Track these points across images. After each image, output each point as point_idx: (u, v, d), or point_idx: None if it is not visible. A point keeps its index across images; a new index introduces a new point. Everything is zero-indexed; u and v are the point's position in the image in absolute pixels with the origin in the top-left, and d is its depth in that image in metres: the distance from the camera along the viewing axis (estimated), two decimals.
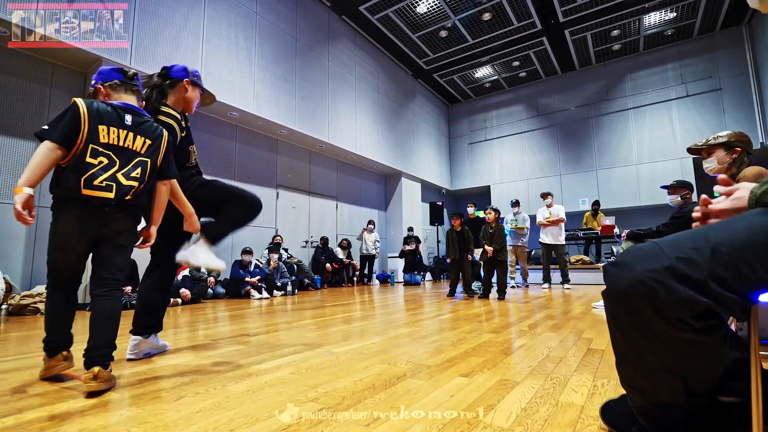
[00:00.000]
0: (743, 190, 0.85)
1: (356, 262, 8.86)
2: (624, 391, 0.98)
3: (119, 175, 1.57)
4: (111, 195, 1.54)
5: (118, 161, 1.58)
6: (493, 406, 1.25)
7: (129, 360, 1.93)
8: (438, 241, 11.03)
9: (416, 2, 8.04)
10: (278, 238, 7.11)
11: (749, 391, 0.78)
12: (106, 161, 1.56)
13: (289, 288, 6.23)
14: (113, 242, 1.60)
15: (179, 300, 4.67)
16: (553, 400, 1.31)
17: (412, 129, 11.15)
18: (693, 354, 0.81)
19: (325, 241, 8.16)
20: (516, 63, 10.73)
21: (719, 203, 0.90)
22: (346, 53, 8.76)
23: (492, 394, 1.38)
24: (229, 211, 2.04)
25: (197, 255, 1.90)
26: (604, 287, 0.88)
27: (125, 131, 1.61)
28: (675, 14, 8.74)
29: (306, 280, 7.17)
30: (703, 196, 0.96)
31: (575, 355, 1.95)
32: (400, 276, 9.69)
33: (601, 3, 8.20)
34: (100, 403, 1.33)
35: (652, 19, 8.91)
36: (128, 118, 1.63)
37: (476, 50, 9.97)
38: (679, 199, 3.47)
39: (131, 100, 1.73)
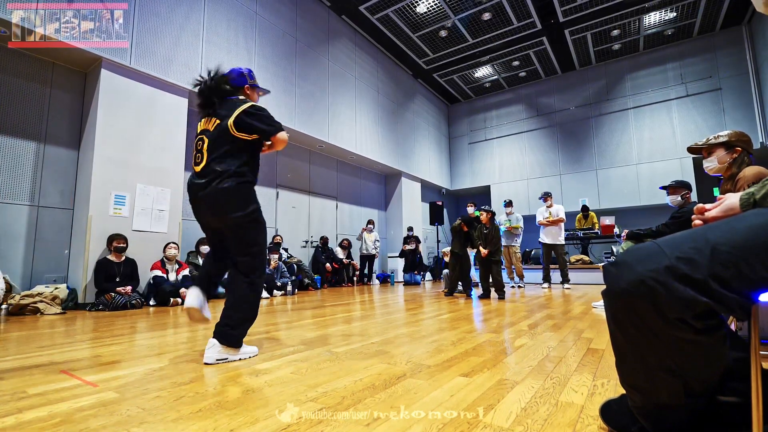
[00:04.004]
0: (731, 198, 0.90)
1: (356, 261, 8.86)
2: (624, 391, 0.98)
3: None
4: None
5: None
6: (493, 406, 1.25)
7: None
8: (438, 241, 11.04)
9: (416, 2, 8.03)
10: (278, 238, 7.11)
11: (749, 391, 0.78)
12: None
13: (289, 288, 6.23)
14: None
15: (179, 300, 4.67)
16: (553, 400, 1.31)
17: (412, 129, 11.15)
18: (693, 354, 0.81)
19: (325, 240, 8.16)
20: (516, 63, 10.73)
21: (712, 212, 0.92)
22: (346, 53, 8.76)
23: (492, 393, 1.37)
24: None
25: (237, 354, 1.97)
26: (604, 287, 0.88)
27: None
28: (675, 14, 8.74)
29: (306, 280, 7.17)
30: (698, 205, 0.97)
31: (575, 355, 1.95)
32: (400, 276, 9.69)
33: (601, 3, 8.20)
34: (100, 402, 1.33)
35: (652, 18, 8.91)
36: None
37: (476, 50, 9.97)
38: (679, 198, 3.46)
39: None
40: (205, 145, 1.98)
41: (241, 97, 2.11)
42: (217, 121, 1.98)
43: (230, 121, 1.94)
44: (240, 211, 1.92)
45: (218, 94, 2.06)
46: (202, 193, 1.94)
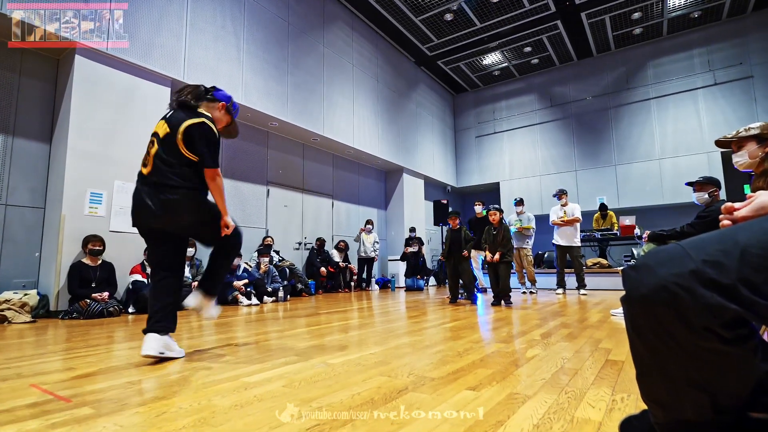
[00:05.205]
0: (763, 196, 0.91)
1: (354, 265, 8.87)
2: (645, 406, 0.98)
3: None
4: None
5: None
6: (502, 422, 1.25)
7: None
8: (443, 243, 11.05)
9: None
10: (269, 239, 7.11)
11: None
12: None
13: (281, 294, 6.23)
14: None
15: None
16: (568, 416, 1.30)
17: (415, 121, 11.16)
18: (721, 366, 0.81)
19: (320, 242, 8.17)
20: (528, 49, 10.73)
21: (741, 211, 0.92)
22: (342, 38, 8.76)
23: (501, 409, 1.37)
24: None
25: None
26: (624, 293, 0.88)
27: None
28: None
29: (299, 285, 7.17)
30: (727, 204, 0.97)
31: (592, 367, 1.95)
32: (401, 281, 9.70)
33: None
34: (73, 419, 1.33)
35: (677, 0, 8.91)
36: None
37: (484, 35, 9.97)
38: (706, 196, 3.46)
39: None
40: (154, 150, 2.03)
41: (201, 109, 2.12)
42: (168, 130, 2.03)
43: (180, 132, 1.99)
44: (195, 215, 2.11)
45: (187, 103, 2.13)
46: (152, 199, 2.01)
